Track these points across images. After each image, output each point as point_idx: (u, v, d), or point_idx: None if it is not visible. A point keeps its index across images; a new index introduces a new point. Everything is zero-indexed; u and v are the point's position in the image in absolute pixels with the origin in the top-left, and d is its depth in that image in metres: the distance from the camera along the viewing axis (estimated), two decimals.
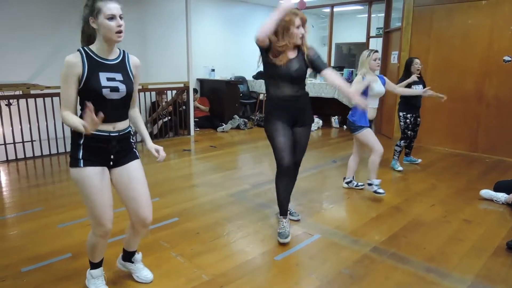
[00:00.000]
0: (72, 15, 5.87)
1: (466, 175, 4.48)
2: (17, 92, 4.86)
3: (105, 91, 1.76)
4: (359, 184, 3.92)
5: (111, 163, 1.90)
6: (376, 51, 3.60)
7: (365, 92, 3.51)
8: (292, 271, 2.41)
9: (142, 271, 2.24)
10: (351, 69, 7.85)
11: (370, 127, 3.66)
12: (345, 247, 2.69)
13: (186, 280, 2.26)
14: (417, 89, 4.31)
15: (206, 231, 2.92)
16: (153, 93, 6.53)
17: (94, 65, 1.77)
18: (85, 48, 1.79)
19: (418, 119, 4.61)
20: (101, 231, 1.91)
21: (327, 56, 8.78)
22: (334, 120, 7.78)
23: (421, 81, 4.44)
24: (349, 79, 7.48)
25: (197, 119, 7.13)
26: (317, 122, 7.60)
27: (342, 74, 7.81)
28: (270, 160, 5.11)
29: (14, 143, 4.81)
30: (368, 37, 8.05)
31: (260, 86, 8.39)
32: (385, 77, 3.85)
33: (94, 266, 2.09)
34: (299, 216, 3.15)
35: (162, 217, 3.14)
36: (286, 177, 2.76)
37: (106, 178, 1.87)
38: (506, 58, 5.11)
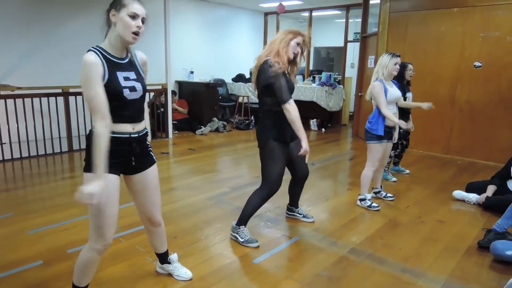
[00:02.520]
0: (45, 17, 5.73)
1: (440, 177, 4.60)
2: None
3: (126, 92, 1.68)
4: (388, 195, 3.75)
5: (131, 168, 1.84)
6: (399, 56, 3.40)
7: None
8: (270, 274, 2.41)
9: (181, 270, 2.28)
10: (329, 73, 7.95)
11: (390, 136, 3.47)
12: (323, 249, 2.71)
13: (163, 285, 2.22)
14: (410, 101, 4.15)
15: (184, 235, 2.88)
16: None
17: (112, 65, 1.67)
18: (96, 47, 1.67)
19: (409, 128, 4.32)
20: (101, 245, 1.77)
21: (306, 60, 8.86)
22: (313, 123, 7.86)
23: (409, 88, 4.26)
24: (327, 82, 7.57)
25: (176, 122, 7.05)
26: None
27: (321, 78, 7.90)
28: (249, 163, 5.11)
29: None
30: (346, 41, 8.19)
31: (239, 89, 8.38)
32: (396, 82, 3.65)
33: None
34: (313, 218, 3.20)
35: (138, 222, 3.06)
36: (270, 198, 2.77)
37: (118, 188, 1.78)
38: (477, 63, 5.29)
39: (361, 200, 3.55)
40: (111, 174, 1.72)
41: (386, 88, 3.34)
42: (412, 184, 4.27)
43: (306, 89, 7.51)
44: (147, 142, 1.92)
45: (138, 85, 1.75)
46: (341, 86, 8.07)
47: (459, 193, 3.77)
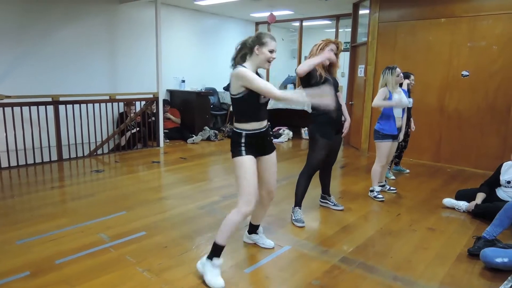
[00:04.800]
0: (35, 25, 5.70)
1: (430, 185, 4.63)
2: None
3: (261, 98, 2.32)
4: (391, 188, 4.27)
5: (264, 152, 2.47)
6: (396, 67, 3.89)
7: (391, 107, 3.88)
8: (262, 283, 2.39)
9: (266, 240, 2.85)
10: None
11: (396, 136, 3.99)
12: (314, 258, 2.70)
13: None
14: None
15: (174, 244, 2.85)
16: (121, 103, 6.39)
17: None
18: (245, 65, 2.33)
19: (409, 130, 4.93)
20: (248, 209, 2.32)
21: None
22: (304, 132, 7.89)
23: (409, 95, 4.68)
24: None
25: (167, 131, 7.03)
26: (288, 133, 7.68)
27: None
28: None
29: None
30: None
31: (230, 98, 8.37)
32: (406, 91, 4.28)
33: (218, 253, 2.32)
34: (343, 207, 3.68)
35: (128, 231, 3.04)
36: (311, 178, 3.39)
37: (255, 165, 2.38)
38: (464, 72, 5.38)
39: (370, 191, 4.05)
40: (251, 156, 2.35)
41: (391, 94, 3.83)
42: (403, 192, 4.30)
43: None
44: (270, 133, 2.54)
45: None
46: None
47: (449, 201, 3.81)
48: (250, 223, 2.85)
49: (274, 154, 2.55)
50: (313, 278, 2.43)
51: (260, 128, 2.40)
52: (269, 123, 2.53)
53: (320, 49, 3.21)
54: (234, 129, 2.41)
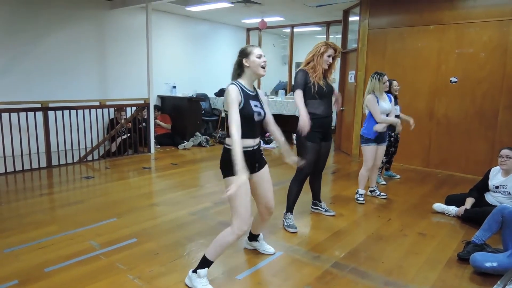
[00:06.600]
0: (24, 30, 5.66)
1: (420, 190, 4.68)
2: None
3: (256, 115, 2.31)
4: (382, 194, 4.29)
5: (255, 169, 2.43)
6: (385, 75, 4.02)
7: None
8: None
9: (266, 246, 2.87)
10: None
11: (380, 139, 4.04)
12: (307, 264, 2.71)
13: None
14: (398, 113, 4.71)
15: (166, 251, 2.83)
16: (112, 109, 6.35)
17: (247, 95, 2.30)
18: (237, 82, 2.31)
19: (398, 136, 5.00)
20: (242, 230, 2.26)
21: (288, 74, 9.00)
22: (295, 137, 7.90)
23: (396, 102, 4.73)
24: None
25: (158, 136, 7.00)
26: None
27: None
28: None
29: None
30: None
31: (222, 104, 8.38)
32: (391, 96, 4.27)
33: (207, 265, 2.30)
34: (334, 212, 3.71)
35: (119, 238, 3.01)
36: (303, 183, 3.41)
37: (247, 184, 2.30)
38: (453, 79, 5.46)
39: (356, 193, 4.14)
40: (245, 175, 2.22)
41: (379, 100, 3.95)
42: (394, 197, 4.33)
43: (289, 104, 7.58)
44: (261, 150, 2.51)
45: (262, 112, 2.38)
46: None
47: (439, 206, 3.85)
48: (250, 232, 2.84)
49: (266, 169, 2.50)
50: (305, 284, 2.43)
51: (253, 146, 2.36)
52: (261, 140, 2.50)
53: (321, 56, 3.23)
54: (226, 146, 2.28)
